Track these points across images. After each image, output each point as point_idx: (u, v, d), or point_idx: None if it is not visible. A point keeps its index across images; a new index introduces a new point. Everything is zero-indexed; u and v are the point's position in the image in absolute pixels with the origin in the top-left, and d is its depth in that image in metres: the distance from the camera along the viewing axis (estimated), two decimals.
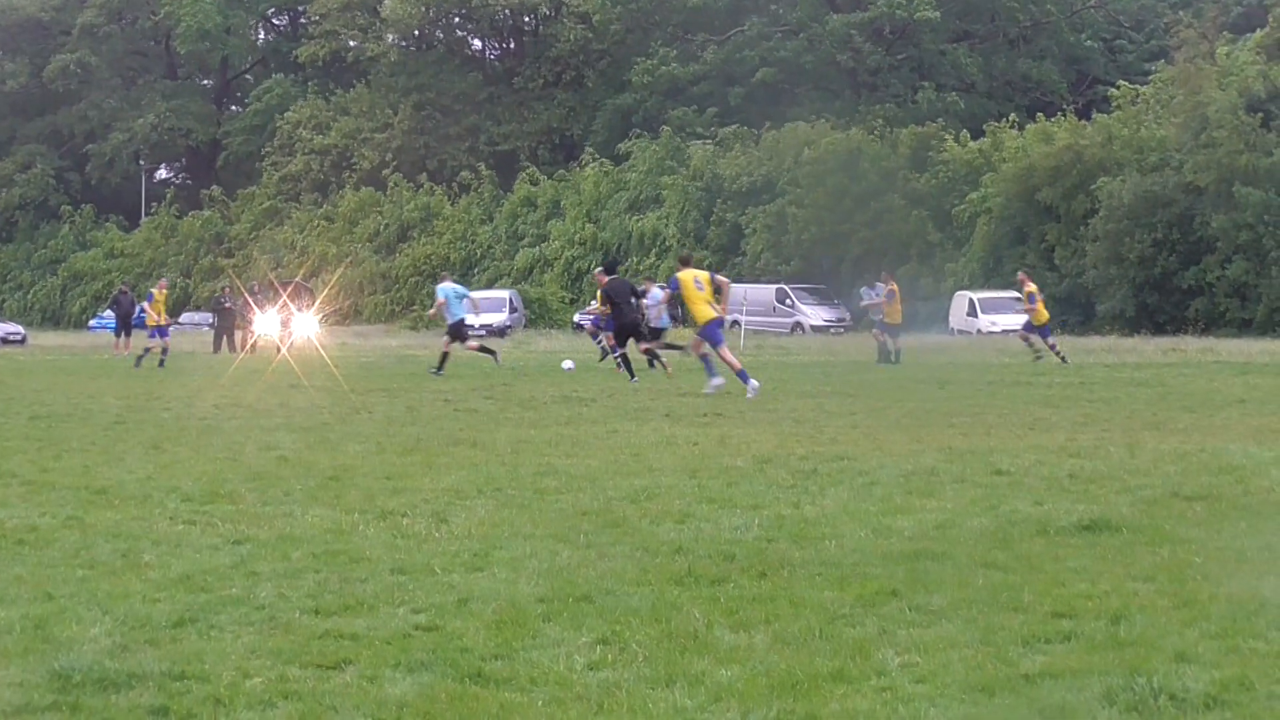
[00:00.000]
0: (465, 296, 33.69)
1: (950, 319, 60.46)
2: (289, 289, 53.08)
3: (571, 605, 7.81)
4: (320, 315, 54.74)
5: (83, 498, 11.82)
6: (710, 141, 77.49)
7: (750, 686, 6.33)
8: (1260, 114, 57.58)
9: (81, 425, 18.98)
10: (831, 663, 6.68)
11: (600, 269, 33.77)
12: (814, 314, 66.57)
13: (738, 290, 66.21)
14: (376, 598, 8.02)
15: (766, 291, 66.89)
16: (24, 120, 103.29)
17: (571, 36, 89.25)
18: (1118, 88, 68.21)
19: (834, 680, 6.41)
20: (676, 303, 30.79)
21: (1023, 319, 38.19)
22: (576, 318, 70.17)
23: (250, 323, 47.20)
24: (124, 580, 8.52)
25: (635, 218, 78.18)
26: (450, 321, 32.49)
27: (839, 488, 12.33)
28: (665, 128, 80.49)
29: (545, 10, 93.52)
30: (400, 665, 6.66)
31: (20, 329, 68.39)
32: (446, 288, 33.39)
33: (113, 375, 33.10)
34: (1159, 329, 55.87)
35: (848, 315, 64.71)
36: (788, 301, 66.49)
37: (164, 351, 36.97)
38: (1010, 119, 70.76)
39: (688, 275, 24.87)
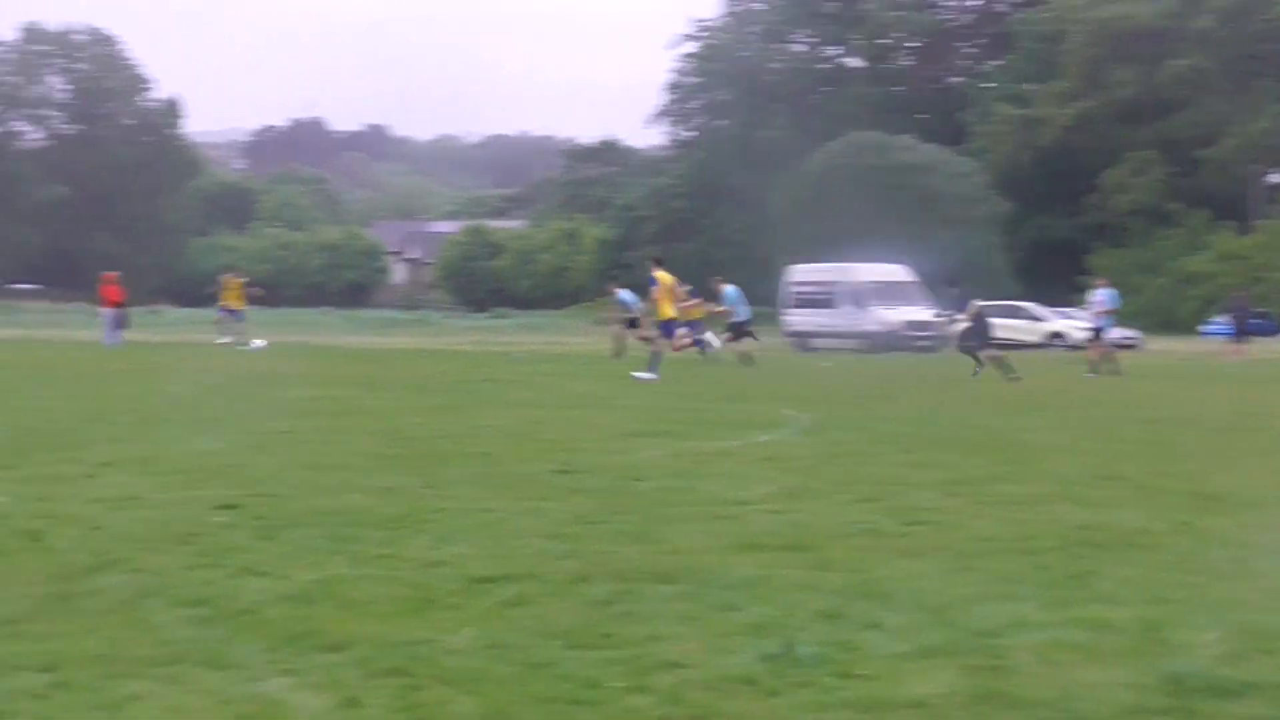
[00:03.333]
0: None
1: None
2: None
3: None
4: None
5: (1193, 503, 11.79)
6: None
7: None
8: None
9: (1192, 430, 18.96)
10: None
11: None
12: None
13: None
14: None
15: None
16: (1135, 128, 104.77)
17: None
18: None
19: None
20: None
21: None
22: None
23: None
24: (1236, 588, 8.41)
25: None
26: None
27: None
28: None
29: None
30: None
31: (1134, 333, 69.54)
32: (730, 290, 38.82)
33: (1224, 381, 32.82)
34: None
35: None
36: None
37: None
38: None
39: None
